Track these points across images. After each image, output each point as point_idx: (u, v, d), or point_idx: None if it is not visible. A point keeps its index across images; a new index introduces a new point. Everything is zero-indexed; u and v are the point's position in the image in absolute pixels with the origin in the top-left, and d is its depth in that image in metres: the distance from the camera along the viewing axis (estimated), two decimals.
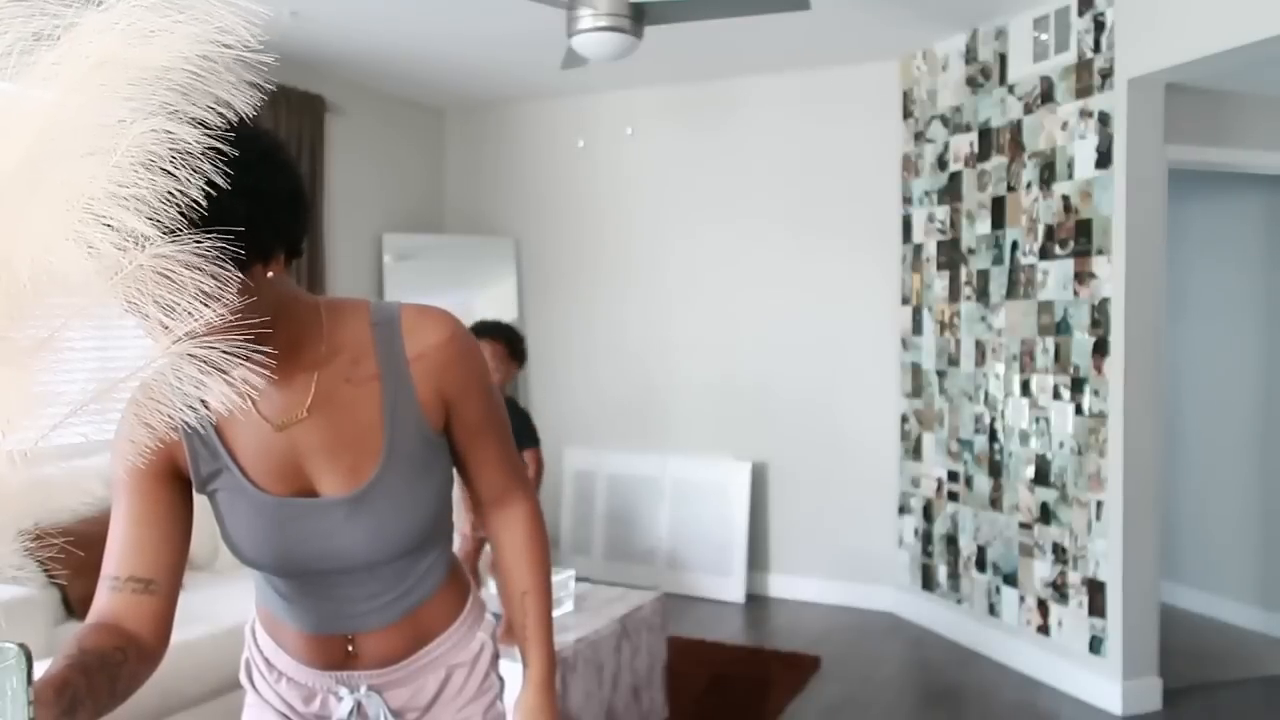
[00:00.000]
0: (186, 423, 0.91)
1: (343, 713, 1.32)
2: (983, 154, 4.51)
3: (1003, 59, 4.40)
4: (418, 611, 1.31)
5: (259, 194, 1.03)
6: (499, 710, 1.41)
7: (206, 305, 0.83)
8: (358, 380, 1.22)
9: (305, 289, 5.13)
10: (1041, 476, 4.18)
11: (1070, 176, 4.03)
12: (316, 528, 1.22)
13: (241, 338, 0.91)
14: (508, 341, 2.99)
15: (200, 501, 1.27)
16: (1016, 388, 4.31)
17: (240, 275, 0.98)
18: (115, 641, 1.11)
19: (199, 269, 0.82)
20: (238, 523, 1.24)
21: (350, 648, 1.30)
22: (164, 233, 0.79)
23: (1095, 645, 3.93)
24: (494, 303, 5.82)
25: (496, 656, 1.42)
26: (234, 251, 0.91)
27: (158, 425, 0.92)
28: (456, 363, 1.24)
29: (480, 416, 1.29)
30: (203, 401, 0.90)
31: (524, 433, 2.94)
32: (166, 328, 0.84)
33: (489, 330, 3.01)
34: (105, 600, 1.19)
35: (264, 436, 1.21)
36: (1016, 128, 4.31)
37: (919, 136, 4.92)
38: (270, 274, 1.11)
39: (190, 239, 0.81)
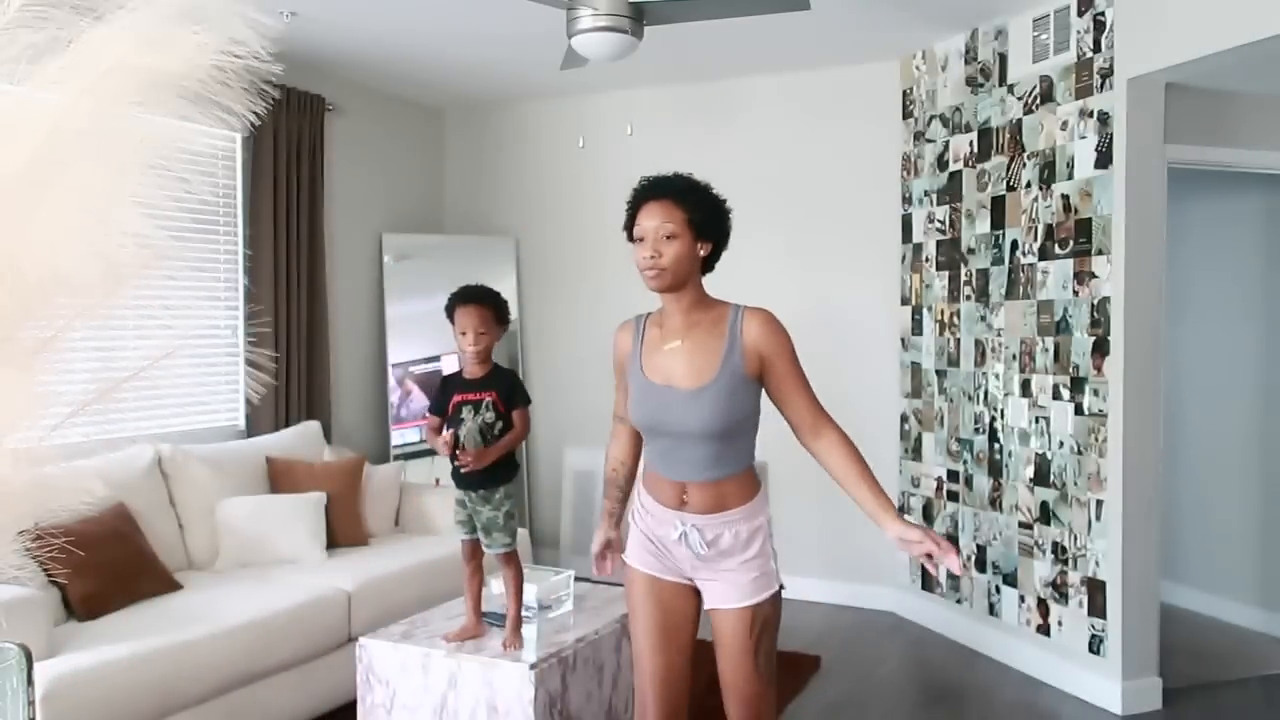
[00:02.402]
0: (636, 345, 2.35)
1: (674, 535, 2.27)
2: (982, 154, 4.51)
3: (1002, 59, 4.40)
4: (723, 482, 2.25)
5: (729, 231, 2.40)
6: (771, 570, 2.29)
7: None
8: (715, 334, 2.25)
9: (306, 286, 5.15)
10: (1041, 476, 4.18)
11: (1070, 176, 4.04)
12: (671, 404, 2.22)
13: (672, 285, 2.24)
14: (495, 307, 3.05)
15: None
16: (1016, 387, 4.31)
17: (700, 239, 2.26)
18: (623, 458, 2.58)
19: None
20: (635, 397, 2.31)
21: (685, 496, 2.26)
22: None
23: (1095, 645, 3.93)
24: None
25: (769, 536, 2.30)
26: (714, 228, 2.32)
27: (630, 331, 2.40)
28: (771, 336, 2.24)
29: (787, 369, 2.25)
30: (645, 324, 2.38)
31: (517, 392, 3.04)
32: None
33: (477, 296, 3.05)
34: (619, 425, 2.59)
35: (659, 350, 2.29)
36: (1016, 127, 4.32)
37: (919, 136, 4.92)
38: (701, 252, 2.27)
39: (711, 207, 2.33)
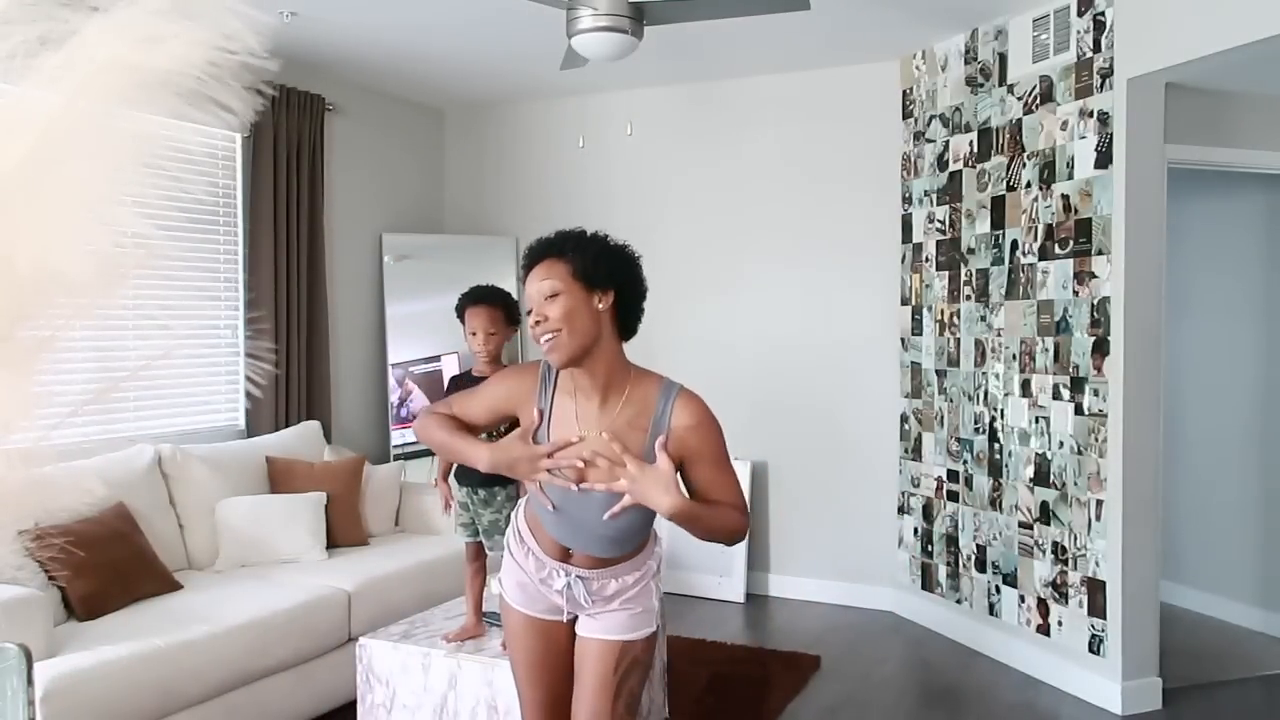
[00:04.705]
0: (541, 406, 2.01)
1: (559, 585, 2.13)
2: (982, 154, 4.51)
3: (1002, 59, 4.40)
4: (616, 559, 2.11)
5: (635, 277, 2.08)
6: (652, 608, 2.17)
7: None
8: (636, 427, 1.98)
9: (306, 286, 5.14)
10: (1041, 476, 4.18)
11: (1070, 176, 4.03)
12: (582, 499, 1.98)
13: (576, 353, 1.93)
14: (505, 307, 3.05)
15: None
16: (1016, 387, 4.31)
17: (594, 289, 1.96)
18: (456, 427, 2.15)
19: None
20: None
21: (570, 556, 2.11)
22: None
23: (1095, 645, 3.93)
24: None
25: (656, 575, 2.19)
26: (604, 278, 1.99)
27: (534, 378, 2.06)
28: (700, 432, 1.96)
29: (709, 476, 1.98)
30: (555, 381, 2.04)
31: None
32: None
33: (487, 296, 3.05)
34: (446, 418, 2.13)
35: (569, 430, 1.99)
36: (1016, 127, 4.31)
37: (919, 136, 4.92)
38: (599, 305, 1.97)
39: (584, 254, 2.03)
